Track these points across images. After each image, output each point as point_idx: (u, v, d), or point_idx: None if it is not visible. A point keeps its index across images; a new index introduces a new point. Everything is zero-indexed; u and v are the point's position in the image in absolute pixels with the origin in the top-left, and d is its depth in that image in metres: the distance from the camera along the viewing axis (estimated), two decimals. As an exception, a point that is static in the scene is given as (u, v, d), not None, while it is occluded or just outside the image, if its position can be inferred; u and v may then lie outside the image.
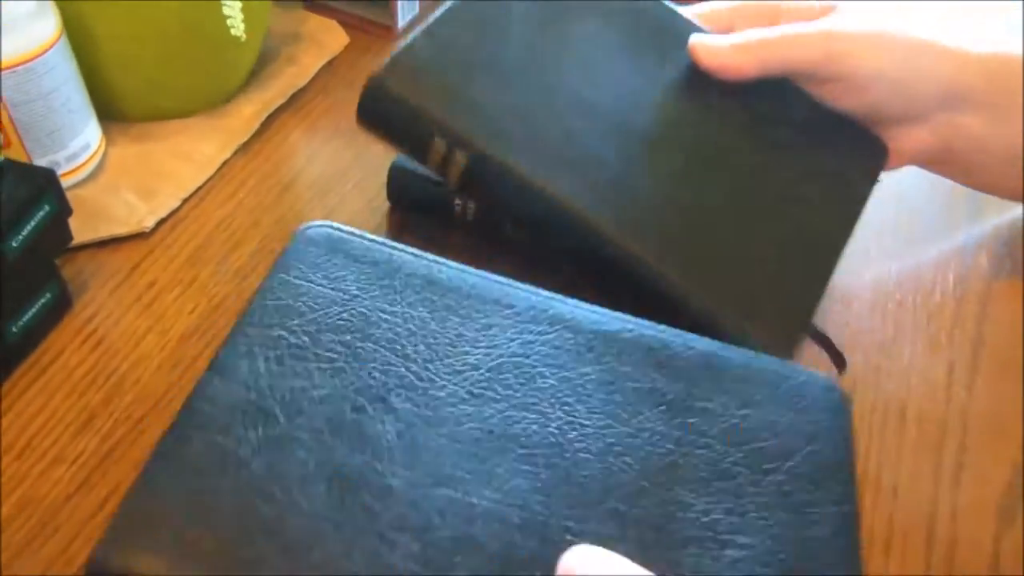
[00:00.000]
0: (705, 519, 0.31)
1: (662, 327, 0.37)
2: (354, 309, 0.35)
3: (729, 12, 0.50)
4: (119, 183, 0.51)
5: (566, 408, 0.33)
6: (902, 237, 0.53)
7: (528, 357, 0.35)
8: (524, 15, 0.46)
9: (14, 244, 0.40)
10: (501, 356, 0.35)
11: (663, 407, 0.34)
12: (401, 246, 0.38)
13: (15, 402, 0.41)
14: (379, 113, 0.43)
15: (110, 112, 0.53)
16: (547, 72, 0.45)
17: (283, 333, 0.34)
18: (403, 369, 0.33)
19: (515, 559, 0.29)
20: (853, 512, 0.32)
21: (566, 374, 0.34)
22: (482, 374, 0.34)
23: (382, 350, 0.34)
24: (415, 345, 0.34)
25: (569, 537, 0.30)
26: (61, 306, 0.45)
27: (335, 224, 0.38)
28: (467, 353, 0.34)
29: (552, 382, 0.34)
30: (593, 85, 0.45)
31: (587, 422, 0.33)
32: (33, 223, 0.40)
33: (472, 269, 0.38)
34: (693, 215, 0.43)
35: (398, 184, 0.50)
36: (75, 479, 0.39)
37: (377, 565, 0.28)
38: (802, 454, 0.33)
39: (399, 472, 0.30)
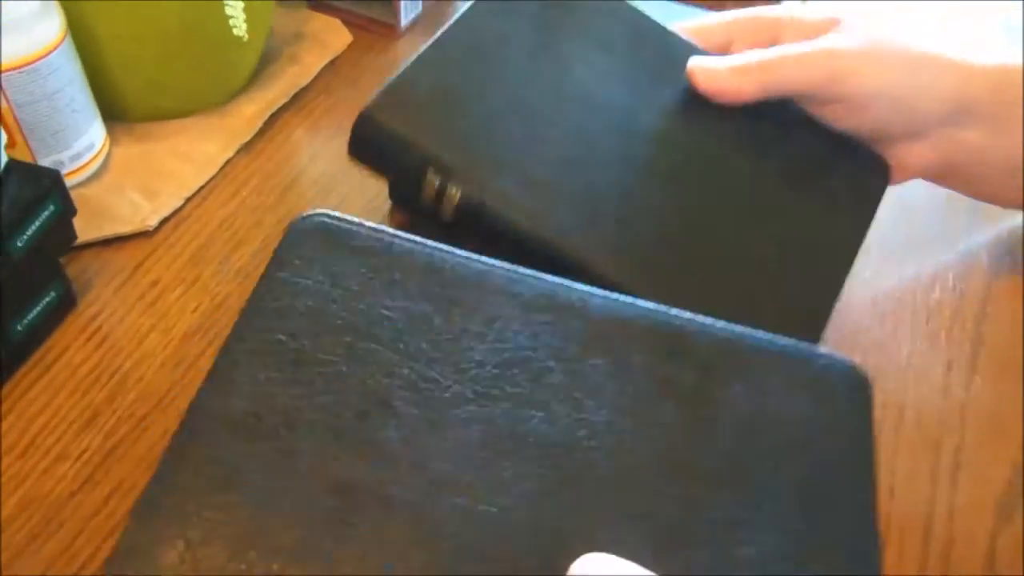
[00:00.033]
0: (719, 517, 0.30)
1: (675, 311, 0.35)
2: (354, 306, 0.34)
3: (727, 27, 0.49)
4: (123, 182, 0.51)
5: (575, 404, 0.32)
6: (902, 235, 0.53)
7: (536, 351, 0.33)
8: (518, 42, 0.45)
9: (19, 244, 0.40)
10: (507, 351, 0.33)
11: (676, 399, 0.33)
12: (402, 234, 0.36)
13: (19, 400, 0.42)
14: (371, 147, 0.43)
15: (113, 112, 0.53)
16: (542, 101, 0.44)
17: (281, 337, 0.33)
18: (406, 370, 0.32)
19: (524, 567, 0.28)
20: (872, 506, 0.31)
21: (575, 367, 0.33)
22: (488, 371, 0.33)
23: (384, 350, 0.33)
24: (418, 343, 0.33)
25: (579, 542, 0.29)
26: (65, 305, 0.45)
27: (331, 213, 0.37)
28: (472, 349, 0.33)
29: (560, 376, 0.33)
30: (590, 113, 0.44)
31: (597, 419, 0.32)
32: (38, 223, 0.41)
33: (476, 256, 0.36)
34: (695, 246, 0.42)
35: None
36: (79, 476, 0.39)
37: None
38: (820, 445, 0.32)
39: (404, 480, 0.30)
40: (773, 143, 0.46)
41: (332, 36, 0.63)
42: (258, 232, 0.50)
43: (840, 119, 0.46)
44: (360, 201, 0.52)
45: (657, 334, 0.34)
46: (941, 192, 0.50)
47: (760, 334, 0.35)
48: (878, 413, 0.44)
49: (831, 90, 0.45)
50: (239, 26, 0.51)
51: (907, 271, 0.51)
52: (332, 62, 0.62)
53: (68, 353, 0.44)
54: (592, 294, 0.36)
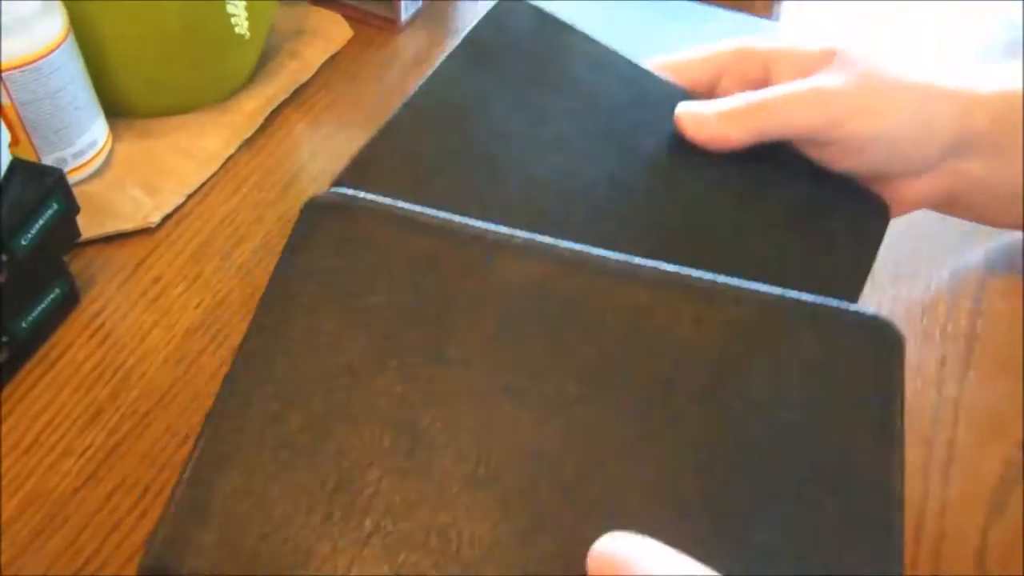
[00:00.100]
0: (736, 508, 0.30)
1: (697, 272, 0.34)
2: (376, 308, 0.32)
3: (716, 61, 0.46)
4: (125, 179, 0.52)
5: (586, 397, 0.31)
6: (898, 232, 0.53)
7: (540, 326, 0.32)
8: (494, 99, 0.43)
9: (23, 243, 0.40)
10: (516, 327, 0.32)
11: (695, 381, 0.32)
12: (430, 211, 0.34)
13: (24, 397, 0.42)
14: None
15: (115, 109, 0.54)
16: (521, 161, 0.42)
17: (300, 343, 0.31)
18: (430, 379, 0.31)
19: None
20: (897, 497, 0.30)
21: (594, 349, 0.32)
22: (499, 364, 0.32)
23: (408, 358, 0.31)
24: (452, 346, 0.32)
25: (599, 516, 0.29)
26: (69, 302, 0.45)
27: (348, 192, 0.35)
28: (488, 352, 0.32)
29: (584, 358, 0.32)
30: (572, 170, 0.42)
31: (612, 411, 0.31)
32: (42, 222, 0.41)
33: (492, 223, 0.35)
34: None
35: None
36: (82, 472, 0.40)
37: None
38: (846, 428, 0.31)
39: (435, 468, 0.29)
40: (766, 187, 0.44)
41: (332, 31, 0.63)
42: (259, 228, 0.51)
43: (836, 161, 0.44)
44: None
45: (679, 306, 0.33)
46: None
47: (790, 297, 0.34)
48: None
49: (827, 134, 0.42)
50: (241, 25, 0.52)
51: (903, 267, 0.51)
52: (332, 57, 0.62)
53: (72, 350, 0.44)
54: (610, 258, 0.35)
